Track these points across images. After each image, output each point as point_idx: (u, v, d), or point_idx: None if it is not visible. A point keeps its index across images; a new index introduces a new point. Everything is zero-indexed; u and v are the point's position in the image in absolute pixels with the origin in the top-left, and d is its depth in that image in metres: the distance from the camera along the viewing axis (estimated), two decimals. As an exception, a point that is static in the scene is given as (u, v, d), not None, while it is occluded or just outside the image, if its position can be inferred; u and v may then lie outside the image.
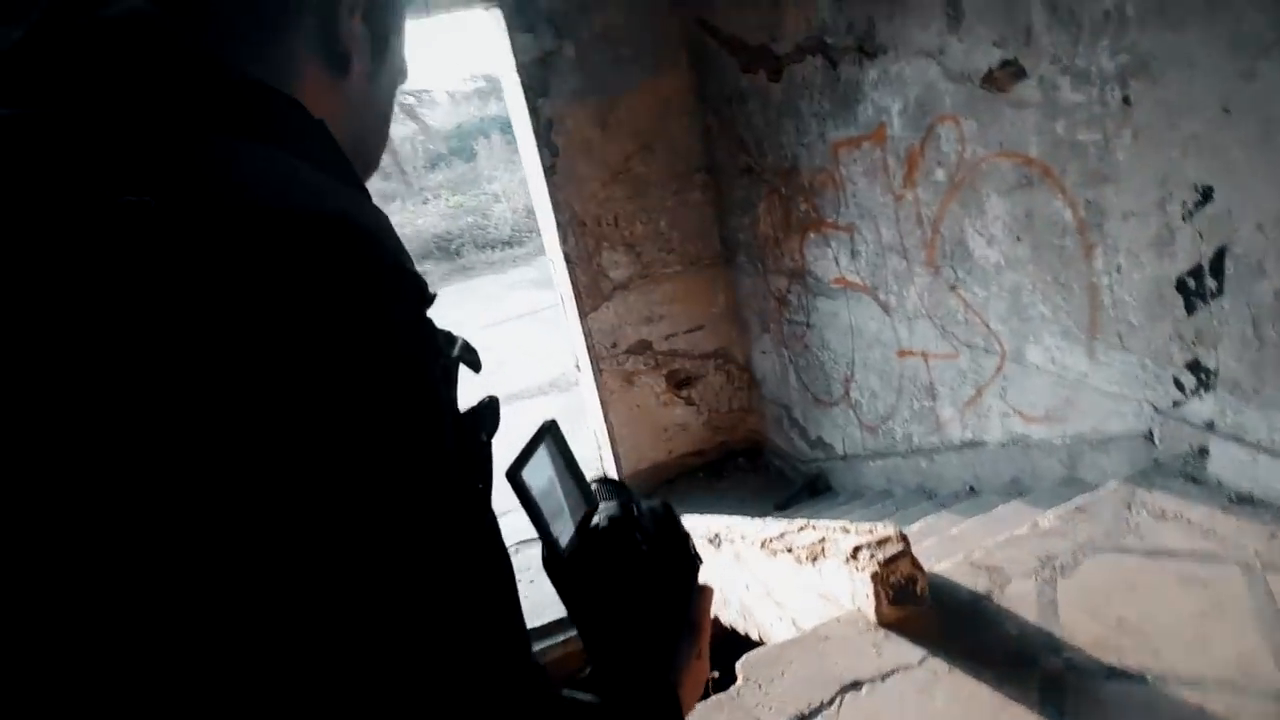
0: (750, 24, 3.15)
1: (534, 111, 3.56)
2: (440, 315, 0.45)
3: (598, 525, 0.55)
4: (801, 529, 2.11)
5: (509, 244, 11.55)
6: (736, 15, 3.23)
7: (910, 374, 3.06)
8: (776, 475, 4.18)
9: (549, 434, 0.54)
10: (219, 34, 0.46)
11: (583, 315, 3.86)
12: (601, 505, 0.57)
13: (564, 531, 0.53)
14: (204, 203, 0.35)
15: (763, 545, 2.15)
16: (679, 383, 4.10)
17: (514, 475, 0.49)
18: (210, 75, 0.43)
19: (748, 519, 2.52)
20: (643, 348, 3.99)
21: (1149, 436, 2.06)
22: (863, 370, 3.33)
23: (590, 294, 3.84)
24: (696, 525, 2.74)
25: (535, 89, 3.53)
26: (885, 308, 3.04)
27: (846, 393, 3.48)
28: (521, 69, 3.47)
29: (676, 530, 0.59)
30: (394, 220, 0.48)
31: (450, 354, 0.44)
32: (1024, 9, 2.00)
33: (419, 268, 0.46)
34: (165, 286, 0.33)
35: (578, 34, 3.49)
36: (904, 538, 1.71)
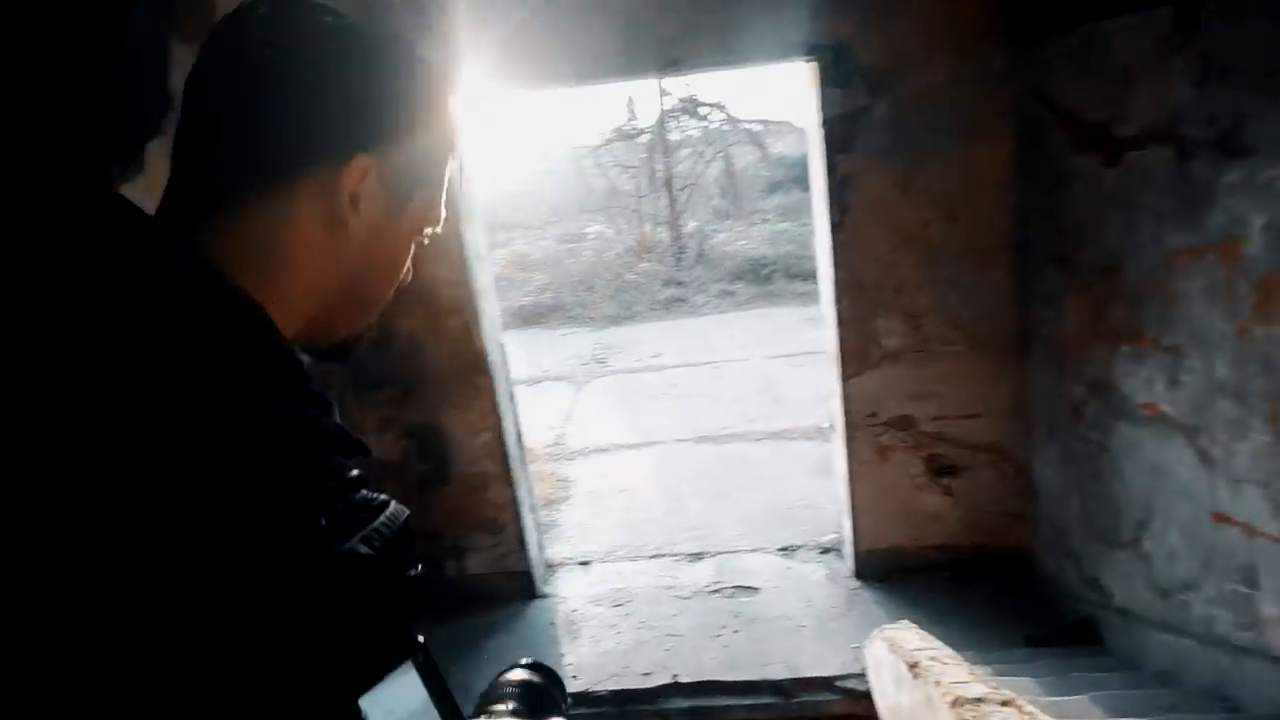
0: (1092, 98, 2.73)
1: (831, 167, 3.46)
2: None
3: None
4: (1005, 703, 1.81)
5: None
6: (1077, 88, 2.82)
7: (1225, 546, 2.45)
8: (1037, 601, 3.61)
9: (418, 652, 0.50)
10: (223, 185, 0.53)
11: (845, 378, 3.68)
12: None
13: None
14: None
15: (954, 704, 1.88)
16: (939, 469, 3.73)
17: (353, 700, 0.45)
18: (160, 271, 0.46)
19: (959, 659, 2.22)
20: (905, 424, 3.69)
21: None
22: (1162, 520, 2.73)
23: (856, 358, 3.65)
24: (903, 641, 2.49)
25: (836, 144, 3.43)
26: (1204, 457, 2.47)
27: (1137, 540, 2.88)
28: (826, 123, 3.39)
29: None
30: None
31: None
32: None
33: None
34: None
35: (894, 93, 3.32)
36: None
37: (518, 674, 0.73)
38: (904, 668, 2.26)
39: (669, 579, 3.99)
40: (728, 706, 3.05)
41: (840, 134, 3.41)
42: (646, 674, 3.22)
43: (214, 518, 0.40)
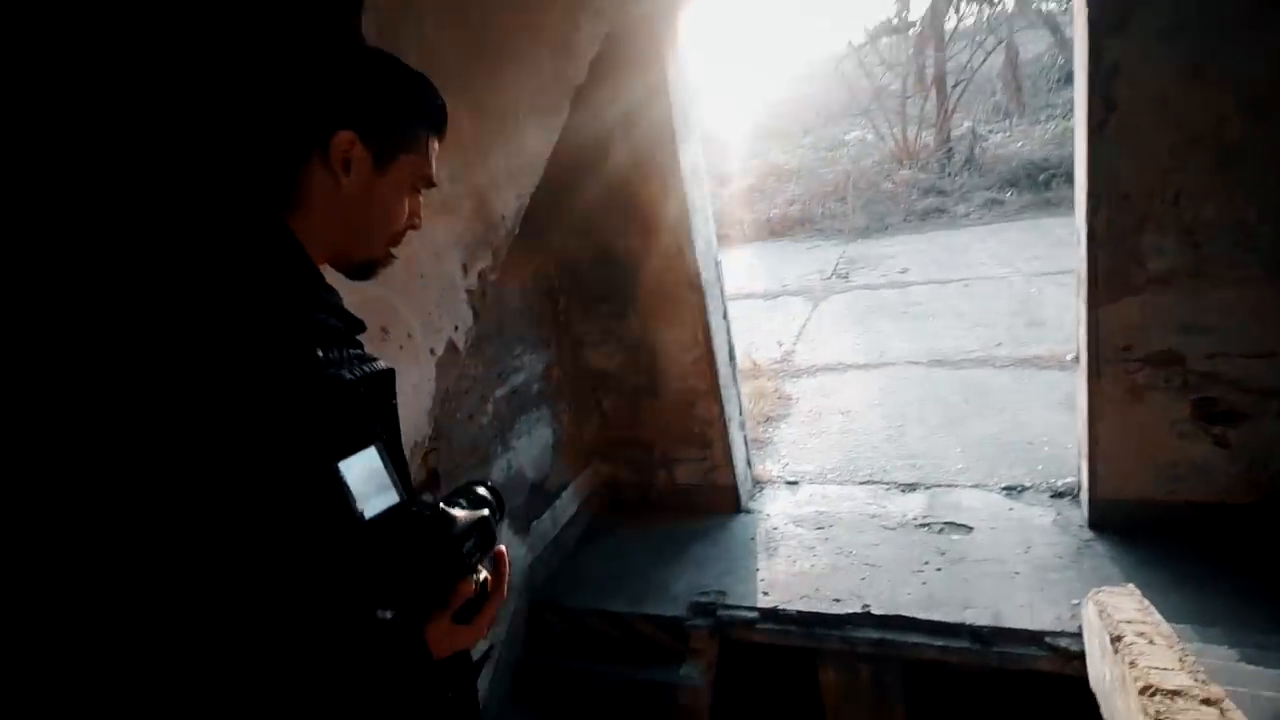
0: None
1: (1095, 52, 2.91)
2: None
3: (405, 513, 0.75)
4: (1208, 702, 1.56)
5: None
6: None
7: None
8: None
9: (379, 440, 0.75)
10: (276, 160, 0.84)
11: (1094, 304, 3.19)
12: (418, 503, 0.79)
13: (373, 507, 0.72)
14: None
15: (1143, 691, 1.65)
16: (1212, 415, 3.13)
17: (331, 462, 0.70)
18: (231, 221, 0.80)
19: (1174, 639, 1.91)
20: (1169, 360, 3.13)
21: None
22: None
23: (1112, 281, 3.13)
24: (1116, 608, 2.21)
25: (1104, 24, 2.86)
26: None
27: None
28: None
29: (451, 539, 0.79)
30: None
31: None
32: None
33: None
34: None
35: (1183, -49, 2.67)
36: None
37: (477, 489, 0.96)
38: (1107, 639, 2.01)
39: (876, 507, 3.86)
40: (917, 645, 2.93)
41: (1110, 9, 2.84)
42: (837, 600, 3.19)
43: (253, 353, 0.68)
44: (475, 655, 0.88)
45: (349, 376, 0.75)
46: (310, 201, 0.84)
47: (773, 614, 3.21)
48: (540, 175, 2.44)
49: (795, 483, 4.31)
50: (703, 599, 3.37)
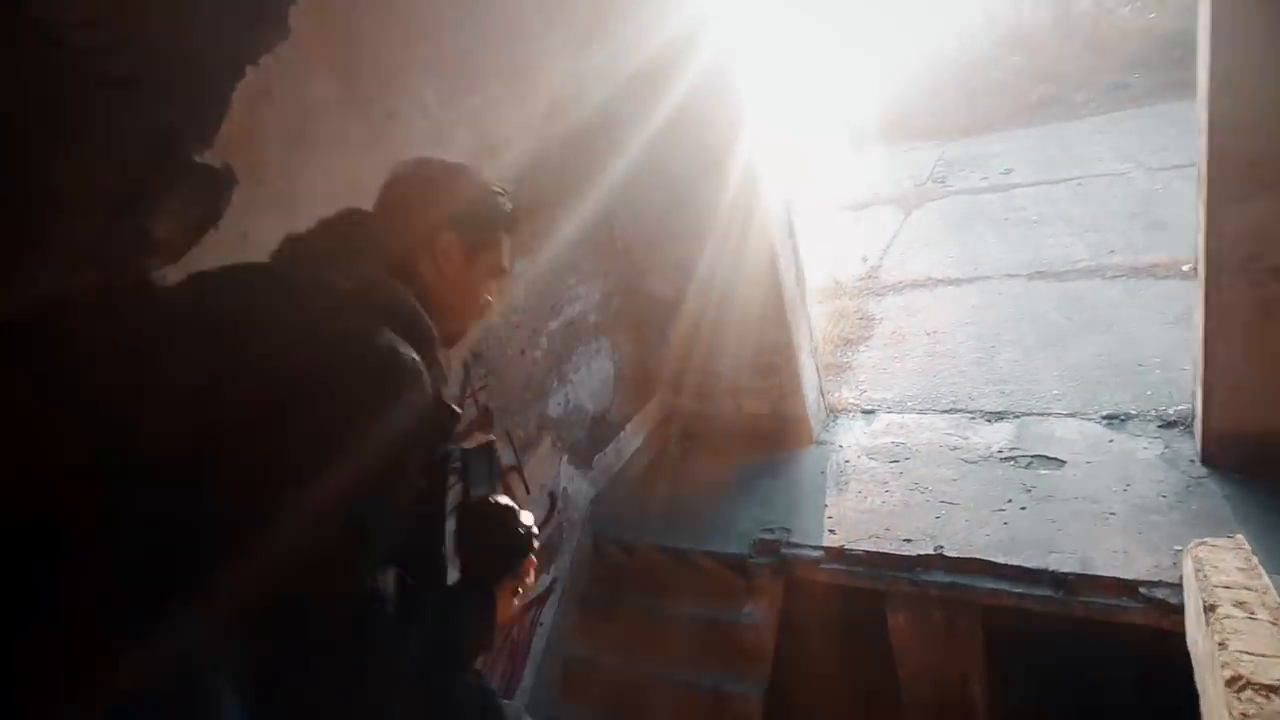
0: None
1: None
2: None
3: (491, 501, 0.97)
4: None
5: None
6: None
7: None
8: None
9: (489, 447, 1.03)
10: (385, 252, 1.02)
11: (1216, 204, 2.75)
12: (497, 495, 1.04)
13: (479, 493, 0.96)
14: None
15: (1230, 683, 1.42)
16: (1360, 337, 2.68)
17: (465, 451, 0.99)
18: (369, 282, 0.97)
19: (1276, 620, 1.64)
20: (1308, 273, 2.68)
21: None
22: None
23: (1240, 173, 2.67)
24: (1216, 564, 1.95)
25: None
26: None
27: None
28: None
29: (516, 523, 1.01)
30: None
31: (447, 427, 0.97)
32: None
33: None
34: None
35: None
36: None
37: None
38: (1201, 605, 1.77)
39: (957, 439, 3.59)
40: (993, 592, 2.73)
41: None
42: (908, 540, 3.00)
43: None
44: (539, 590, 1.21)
45: (455, 409, 0.99)
46: (421, 287, 1.03)
47: (839, 554, 3.06)
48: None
49: (871, 412, 4.07)
50: (767, 536, 3.25)
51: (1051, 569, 2.67)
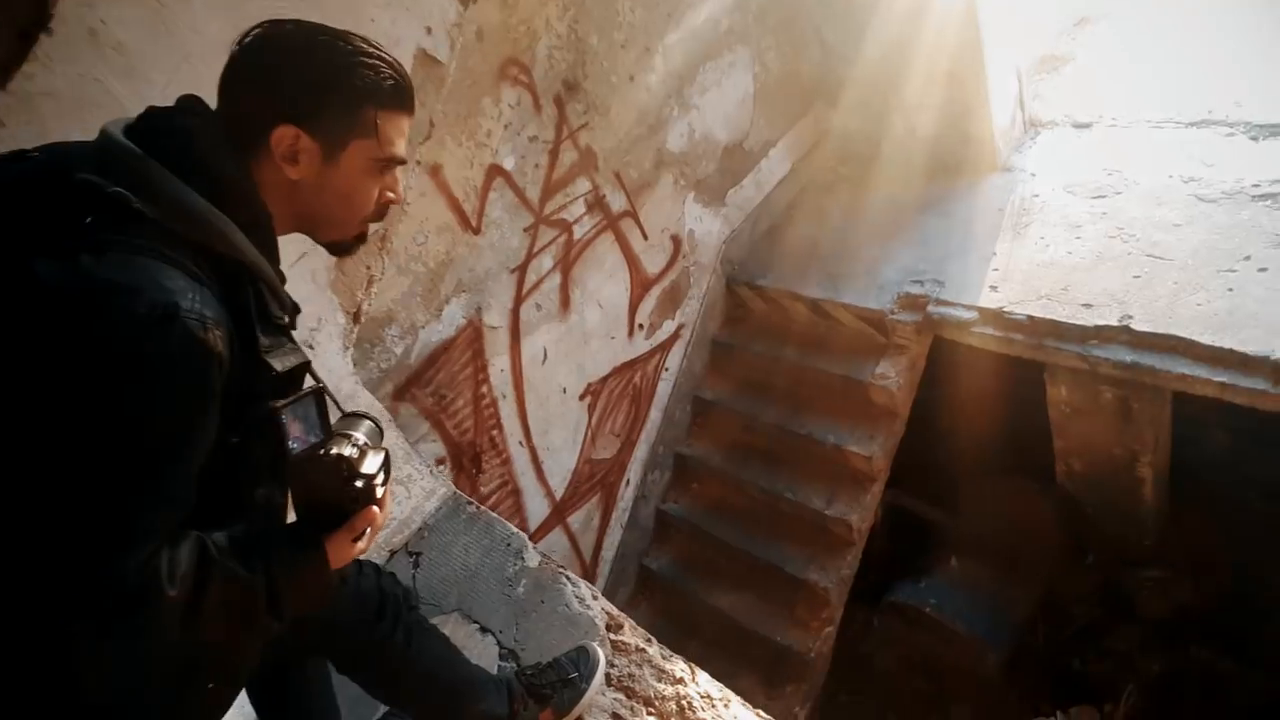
0: None
1: None
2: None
3: (323, 452, 0.83)
4: None
5: None
6: None
7: None
8: None
9: (315, 394, 0.85)
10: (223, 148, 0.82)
11: None
12: (333, 442, 0.86)
13: (301, 443, 0.83)
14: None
15: None
16: None
17: (276, 408, 0.81)
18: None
19: None
20: None
21: None
22: None
23: None
24: None
25: None
26: None
27: None
28: None
29: (352, 473, 0.85)
30: None
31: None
32: None
33: None
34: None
35: None
36: None
37: (365, 422, 0.94)
38: None
39: (1199, 165, 2.74)
40: (1186, 378, 2.19)
41: None
42: (1087, 305, 2.45)
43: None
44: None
45: (279, 368, 0.82)
46: (265, 186, 0.85)
47: (996, 317, 2.59)
48: None
49: (1086, 125, 3.19)
50: (914, 290, 2.82)
51: (1276, 357, 2.07)
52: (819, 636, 2.90)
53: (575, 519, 3.13)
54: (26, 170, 0.75)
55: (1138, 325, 2.31)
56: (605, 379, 3.06)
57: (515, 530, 1.77)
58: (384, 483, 0.89)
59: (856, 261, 3.08)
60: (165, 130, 0.79)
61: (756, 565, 3.07)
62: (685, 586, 3.27)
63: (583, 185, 2.76)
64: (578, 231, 2.78)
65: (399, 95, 0.89)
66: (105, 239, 0.69)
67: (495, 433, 2.76)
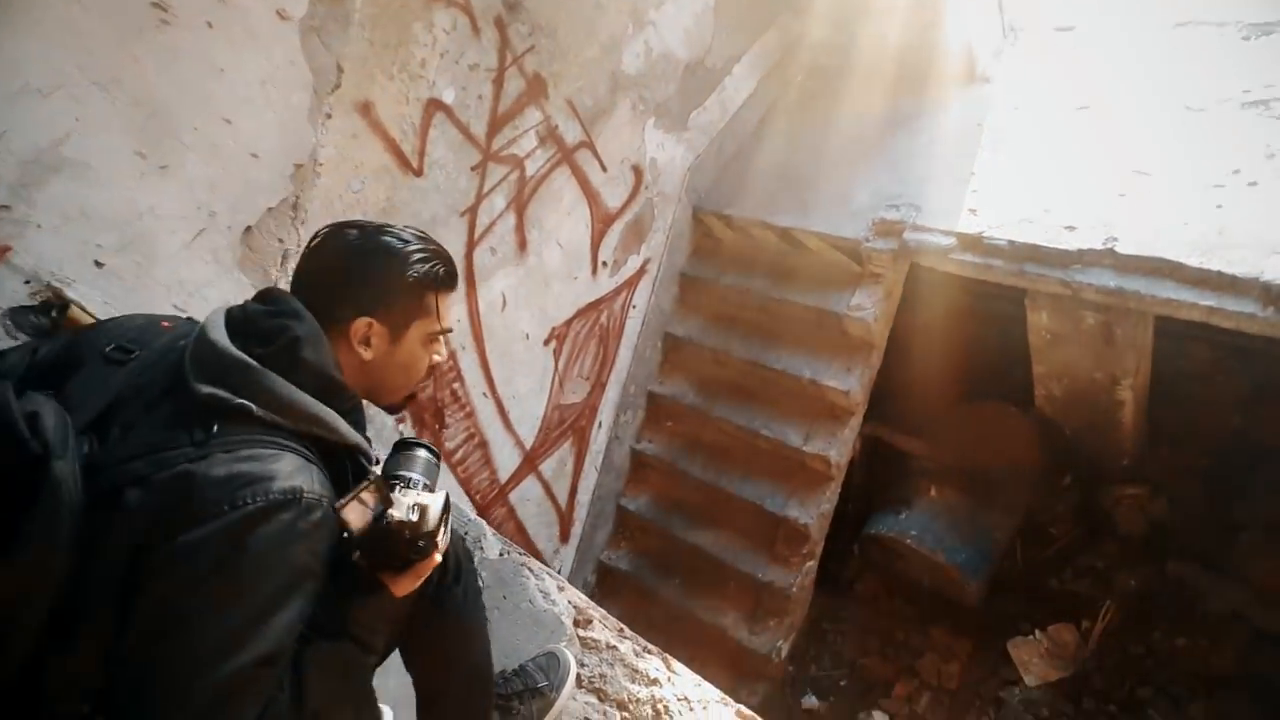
0: None
1: None
2: None
3: (386, 521, 0.89)
4: None
5: None
6: None
7: None
8: None
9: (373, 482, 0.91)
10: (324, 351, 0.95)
11: None
12: (394, 501, 0.91)
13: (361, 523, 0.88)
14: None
15: None
16: None
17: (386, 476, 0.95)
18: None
19: None
20: None
21: None
22: None
23: None
24: None
25: None
26: None
27: None
28: None
29: (415, 535, 0.90)
30: None
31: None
32: None
33: None
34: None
35: None
36: None
37: (421, 454, 1.02)
38: None
39: (1186, 69, 2.58)
40: (1171, 302, 2.10)
41: None
42: (1070, 228, 2.33)
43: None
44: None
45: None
46: (343, 364, 0.98)
47: (975, 242, 2.47)
48: None
49: (1070, 28, 3.00)
50: (889, 216, 2.68)
51: (1264, 278, 1.98)
52: (800, 571, 2.89)
53: (547, 466, 3.05)
54: (144, 380, 0.88)
55: (1122, 248, 2.21)
56: (570, 321, 2.92)
57: (472, 517, 1.67)
58: (445, 526, 0.95)
59: (829, 185, 2.92)
60: (271, 334, 0.90)
61: (735, 502, 3.03)
62: (664, 525, 3.23)
63: (533, 116, 2.55)
64: (530, 167, 2.58)
65: (450, 279, 1.05)
66: (234, 440, 0.81)
67: (456, 385, 2.63)
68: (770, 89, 3.39)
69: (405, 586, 0.94)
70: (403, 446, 1.03)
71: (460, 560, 1.15)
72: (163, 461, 0.78)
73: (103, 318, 1.34)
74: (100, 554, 0.76)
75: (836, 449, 2.84)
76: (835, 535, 3.04)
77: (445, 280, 1.04)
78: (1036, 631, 2.87)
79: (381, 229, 1.01)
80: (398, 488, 0.93)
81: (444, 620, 1.14)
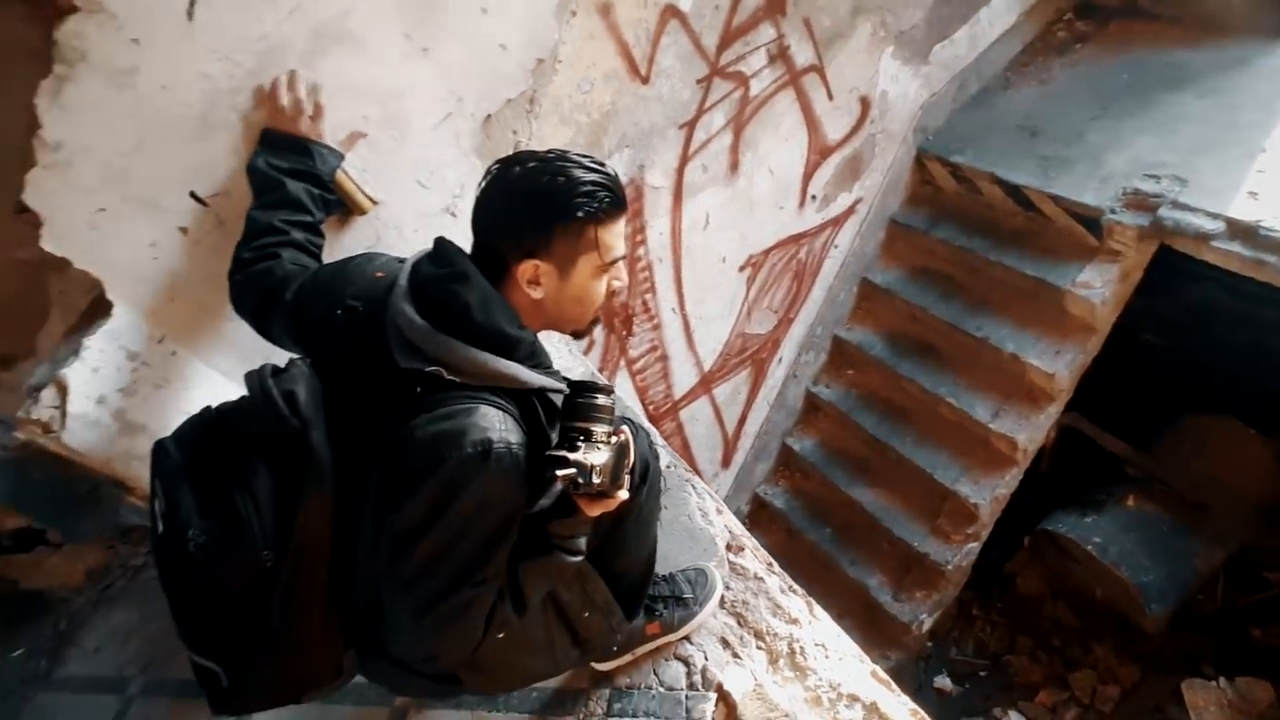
0: None
1: None
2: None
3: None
4: None
5: None
6: None
7: None
8: None
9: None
10: (495, 309, 1.00)
11: None
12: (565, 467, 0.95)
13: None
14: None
15: None
16: None
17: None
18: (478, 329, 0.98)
19: None
20: None
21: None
22: None
23: None
24: None
25: None
26: None
27: None
28: None
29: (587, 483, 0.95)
30: None
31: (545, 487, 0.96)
32: None
33: None
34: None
35: None
36: None
37: (600, 399, 1.02)
38: None
39: None
40: None
41: None
42: None
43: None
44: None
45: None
46: (518, 305, 1.04)
47: (1248, 231, 2.13)
48: None
49: None
50: (1145, 187, 2.37)
51: None
52: (960, 550, 2.75)
53: (721, 391, 3.07)
54: (362, 349, 1.01)
55: None
56: (768, 251, 2.87)
57: (644, 424, 1.72)
58: (626, 465, 0.99)
59: (1079, 144, 2.62)
60: (444, 302, 0.98)
61: (904, 465, 2.92)
62: (826, 472, 3.18)
63: (766, 33, 2.46)
64: (755, 87, 2.51)
65: (614, 208, 1.04)
66: (433, 400, 0.93)
67: (649, 296, 2.69)
68: (1032, 25, 3.05)
69: (598, 509, 1.00)
70: (579, 393, 1.03)
71: (648, 462, 1.20)
72: (382, 430, 0.95)
73: (359, 182, 1.49)
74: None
75: (1027, 433, 2.63)
76: (1005, 522, 2.86)
77: (609, 211, 1.03)
78: (1221, 679, 2.57)
79: (543, 164, 1.02)
80: (580, 440, 0.96)
81: (624, 516, 1.19)
